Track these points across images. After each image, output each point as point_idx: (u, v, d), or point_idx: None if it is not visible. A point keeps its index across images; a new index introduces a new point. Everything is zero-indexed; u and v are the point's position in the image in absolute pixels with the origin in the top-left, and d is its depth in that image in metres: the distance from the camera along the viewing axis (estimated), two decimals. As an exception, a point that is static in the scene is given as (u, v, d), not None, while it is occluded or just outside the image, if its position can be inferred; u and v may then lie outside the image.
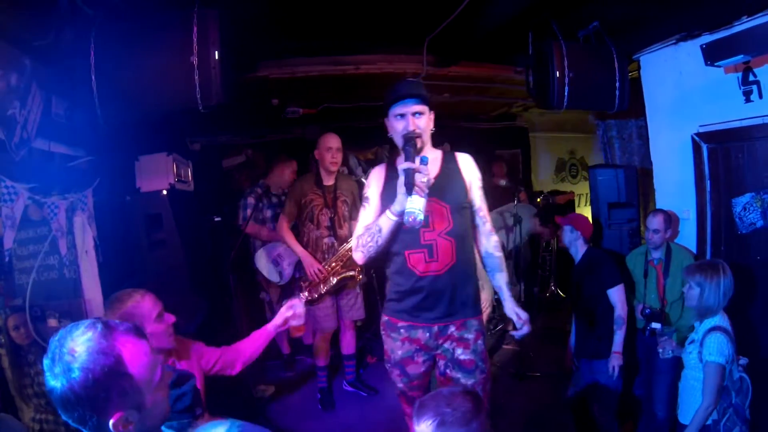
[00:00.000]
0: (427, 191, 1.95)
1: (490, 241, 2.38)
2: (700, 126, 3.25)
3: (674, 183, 3.54)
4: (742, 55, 2.70)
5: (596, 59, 3.31)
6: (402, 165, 1.98)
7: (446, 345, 2.27)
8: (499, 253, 2.40)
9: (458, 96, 4.83)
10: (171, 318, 2.02)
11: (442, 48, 3.73)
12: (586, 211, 6.56)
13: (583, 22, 3.36)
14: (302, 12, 3.04)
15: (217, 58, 2.42)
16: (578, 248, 3.28)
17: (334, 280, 3.74)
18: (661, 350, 2.77)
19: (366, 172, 5.83)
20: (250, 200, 4.54)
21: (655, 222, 3.16)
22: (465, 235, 2.27)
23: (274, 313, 4.64)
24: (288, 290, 4.40)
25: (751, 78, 2.94)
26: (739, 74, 2.99)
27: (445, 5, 2.98)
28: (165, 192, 3.41)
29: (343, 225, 3.84)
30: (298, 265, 4.21)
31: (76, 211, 2.94)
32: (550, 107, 3.30)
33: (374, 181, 2.33)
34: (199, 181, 4.27)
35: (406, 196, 1.93)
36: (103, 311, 2.03)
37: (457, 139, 6.03)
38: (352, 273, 3.77)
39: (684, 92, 3.35)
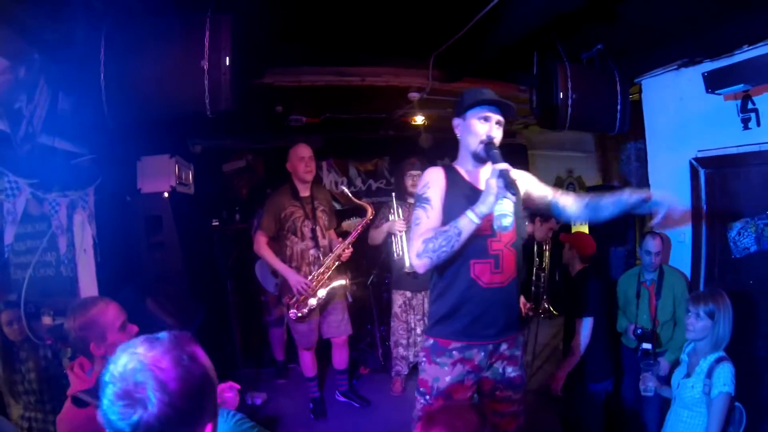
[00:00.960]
0: (515, 197, 1.93)
1: (580, 196, 2.45)
2: (699, 151, 3.29)
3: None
4: (742, 84, 2.75)
5: (599, 81, 3.36)
6: (499, 166, 1.94)
7: (496, 365, 2.20)
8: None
9: (461, 112, 4.87)
10: (134, 329, 1.98)
11: (448, 64, 3.77)
12: (582, 230, 6.59)
13: (587, 45, 3.42)
14: (310, 22, 3.07)
15: (228, 63, 2.42)
16: (574, 267, 3.32)
17: (324, 293, 3.67)
18: (642, 387, 2.69)
19: (365, 183, 5.83)
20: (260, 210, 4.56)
21: (655, 245, 3.19)
22: (522, 247, 2.25)
23: (271, 315, 4.67)
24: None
25: (750, 106, 2.99)
26: (738, 102, 3.04)
27: (453, 23, 3.02)
28: (166, 194, 3.41)
29: (325, 235, 3.81)
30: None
31: (76, 208, 2.93)
32: (552, 128, 3.34)
33: (434, 182, 2.19)
34: (199, 185, 4.27)
35: (498, 198, 1.88)
36: (66, 318, 1.96)
37: (457, 154, 6.08)
38: (341, 282, 3.73)
39: (684, 117, 3.40)
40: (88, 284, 2.96)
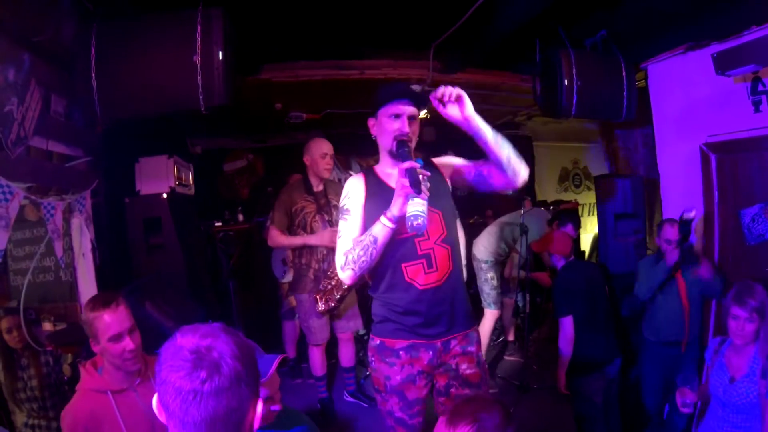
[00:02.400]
0: (428, 194, 1.80)
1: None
2: (709, 136, 3.21)
3: (681, 193, 3.49)
4: (753, 65, 2.66)
5: (604, 68, 3.29)
6: (404, 165, 1.82)
7: (449, 362, 2.10)
8: None
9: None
10: (130, 344, 1.86)
11: (448, 54, 3.71)
12: (590, 221, 6.51)
13: (591, 31, 3.35)
14: (308, 15, 3.02)
15: (221, 58, 2.39)
16: (558, 267, 3.29)
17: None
18: (681, 402, 2.31)
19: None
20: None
21: (674, 232, 3.09)
22: (457, 241, 2.14)
23: (283, 307, 4.62)
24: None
25: (760, 88, 2.91)
26: (748, 84, 2.96)
27: (453, 12, 2.96)
28: (165, 195, 3.37)
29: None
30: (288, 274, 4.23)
31: (73, 212, 2.88)
32: (557, 116, 3.27)
33: (353, 191, 2.12)
34: (200, 185, 4.22)
35: (409, 198, 1.79)
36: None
37: (461, 146, 6.02)
38: None
39: (692, 102, 3.32)
40: (87, 289, 2.91)
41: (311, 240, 3.56)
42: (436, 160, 2.24)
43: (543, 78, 3.44)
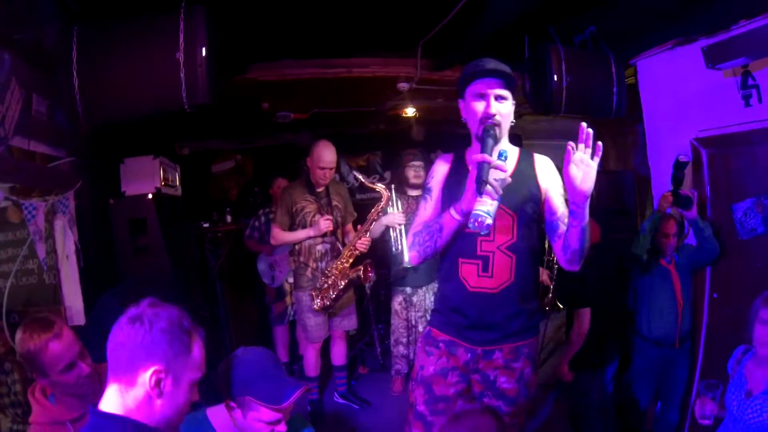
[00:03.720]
0: (501, 193, 1.62)
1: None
2: (700, 131, 3.19)
3: (673, 190, 3.48)
4: (743, 58, 2.66)
5: (593, 64, 3.28)
6: (476, 157, 1.63)
7: (488, 372, 1.96)
8: None
9: (452, 101, 4.77)
10: (85, 369, 1.73)
11: (437, 52, 3.68)
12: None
13: (580, 27, 3.33)
14: (295, 14, 2.98)
15: (204, 55, 2.34)
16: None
17: (342, 284, 3.56)
18: (699, 413, 2.13)
19: (357, 179, 5.76)
20: (256, 223, 4.48)
21: (670, 225, 3.10)
22: (529, 252, 1.90)
23: (272, 313, 4.58)
24: (280, 294, 4.49)
25: (750, 82, 2.89)
26: (738, 78, 2.94)
27: (441, 9, 2.93)
28: (150, 196, 3.31)
29: (336, 231, 3.72)
30: (289, 275, 4.24)
31: (56, 213, 2.83)
32: (547, 112, 3.26)
33: (437, 172, 2.02)
34: (188, 187, 4.17)
35: (477, 195, 1.62)
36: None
37: (451, 145, 6.00)
38: (359, 273, 3.58)
39: (682, 97, 3.30)
40: (71, 291, 2.87)
41: (311, 232, 3.57)
42: (540, 161, 2.00)
43: (532, 75, 3.43)
